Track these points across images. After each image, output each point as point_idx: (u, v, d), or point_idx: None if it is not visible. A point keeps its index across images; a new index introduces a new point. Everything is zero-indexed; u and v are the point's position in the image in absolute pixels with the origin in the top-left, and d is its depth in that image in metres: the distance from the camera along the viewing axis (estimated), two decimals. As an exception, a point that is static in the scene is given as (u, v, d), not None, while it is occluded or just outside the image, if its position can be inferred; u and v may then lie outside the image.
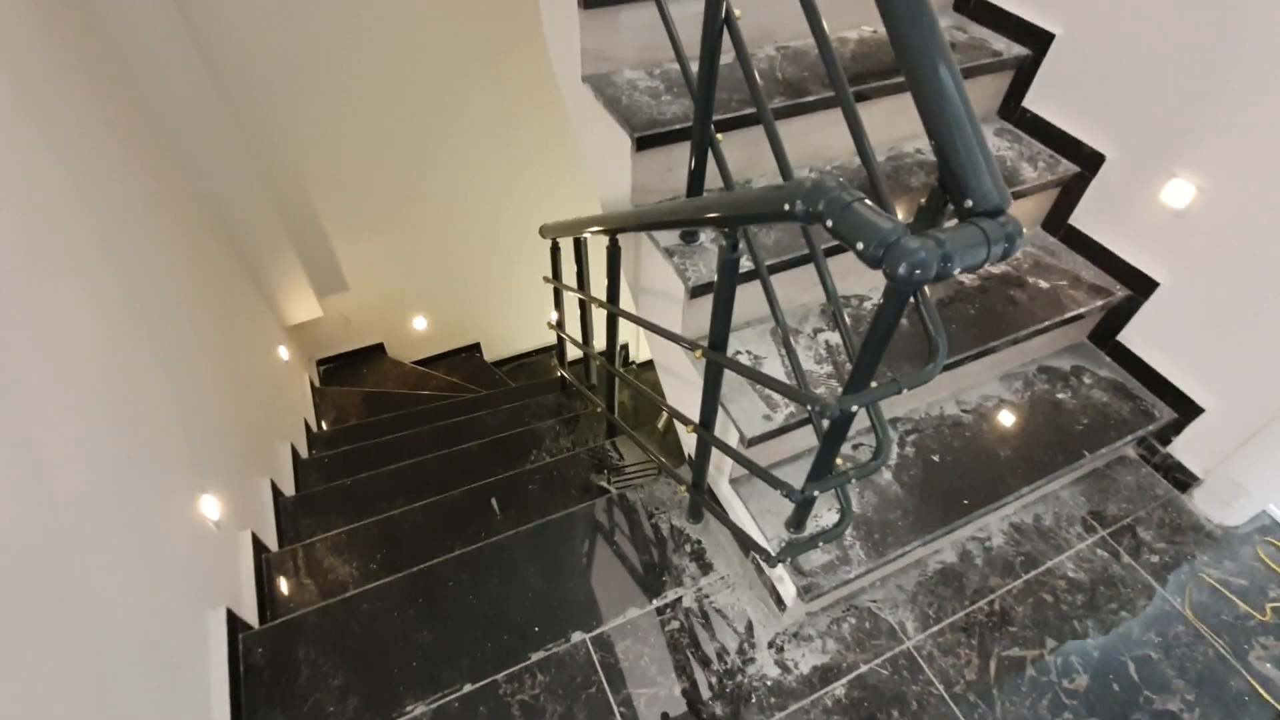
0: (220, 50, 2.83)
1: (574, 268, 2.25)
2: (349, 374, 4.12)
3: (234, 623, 1.45)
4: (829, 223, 0.73)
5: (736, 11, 1.13)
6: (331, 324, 3.91)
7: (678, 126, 1.47)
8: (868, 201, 0.72)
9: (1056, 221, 1.87)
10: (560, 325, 2.63)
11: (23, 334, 1.10)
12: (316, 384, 3.80)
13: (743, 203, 0.93)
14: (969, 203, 0.74)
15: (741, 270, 1.40)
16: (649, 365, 3.93)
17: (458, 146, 3.57)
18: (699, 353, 1.20)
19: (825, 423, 1.13)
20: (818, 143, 1.71)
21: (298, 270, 3.36)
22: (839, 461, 1.13)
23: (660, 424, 2.14)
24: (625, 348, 5.18)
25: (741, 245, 1.07)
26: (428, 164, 3.59)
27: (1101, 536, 1.68)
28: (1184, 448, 1.75)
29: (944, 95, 0.76)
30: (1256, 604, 1.57)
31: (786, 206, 0.81)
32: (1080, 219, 1.81)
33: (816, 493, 1.06)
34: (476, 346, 4.67)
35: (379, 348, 4.29)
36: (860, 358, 0.93)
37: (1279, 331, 1.47)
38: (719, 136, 1.30)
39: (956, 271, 0.69)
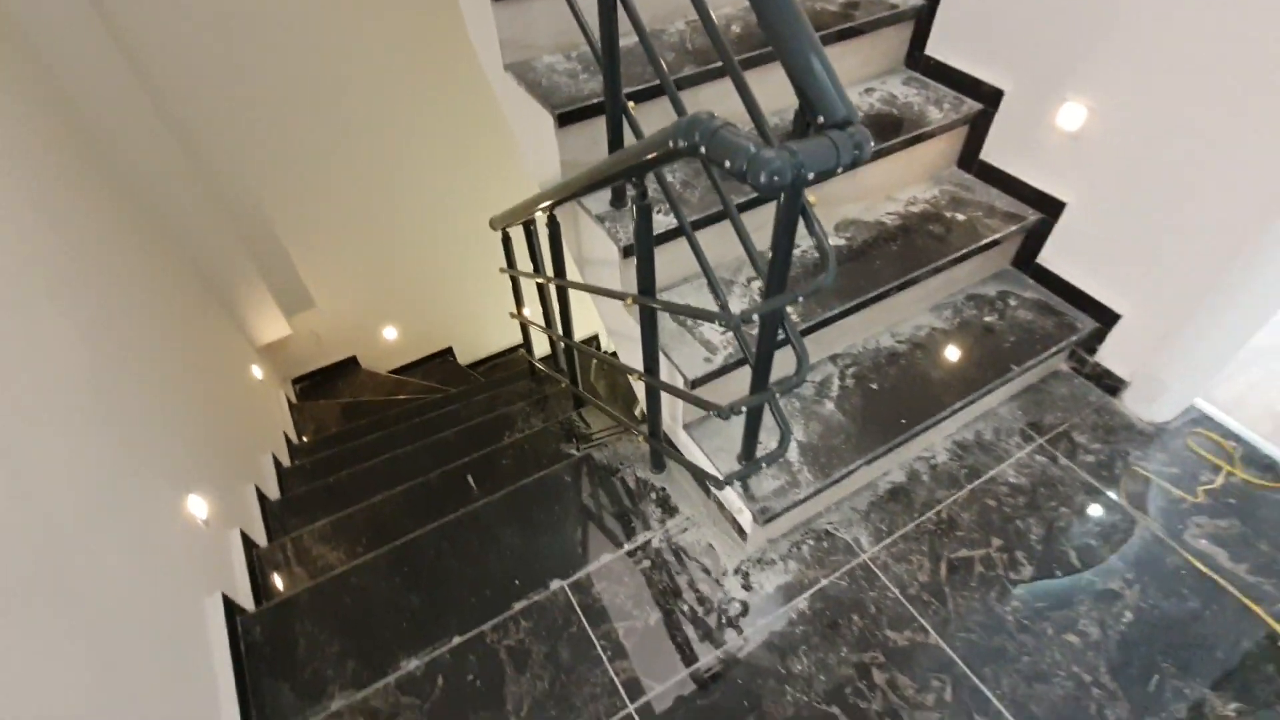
0: (160, 77, 2.88)
1: (527, 255, 2.35)
2: (325, 389, 4.18)
3: (230, 607, 1.53)
4: (702, 149, 0.83)
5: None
6: (302, 342, 3.97)
7: (595, 101, 1.56)
8: (733, 126, 0.82)
9: (970, 158, 1.99)
10: (522, 313, 2.72)
11: (11, 352, 1.17)
12: (293, 401, 3.86)
13: (638, 150, 1.03)
14: (820, 118, 0.84)
15: (667, 229, 1.52)
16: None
17: (406, 154, 3.64)
18: (630, 300, 1.30)
19: (753, 349, 1.24)
20: (733, 106, 1.79)
21: (262, 290, 3.42)
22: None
23: (592, 375, 2.23)
24: (595, 339, 5.28)
25: (655, 193, 1.17)
26: (380, 175, 3.66)
27: (1039, 444, 1.80)
28: (1109, 354, 1.87)
29: (791, 28, 0.86)
30: (1188, 488, 1.70)
31: (672, 143, 0.91)
32: (990, 153, 1.93)
33: (745, 408, 1.16)
34: (449, 350, 4.75)
35: (352, 361, 4.36)
36: (770, 272, 1.04)
37: (1176, 234, 1.59)
38: (630, 104, 1.40)
39: (810, 176, 0.79)
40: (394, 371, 4.47)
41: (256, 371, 3.28)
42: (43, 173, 1.83)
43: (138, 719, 1.08)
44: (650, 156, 1.01)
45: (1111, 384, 1.88)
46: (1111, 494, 1.69)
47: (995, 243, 1.81)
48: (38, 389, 1.22)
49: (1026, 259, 1.96)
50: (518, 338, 5.08)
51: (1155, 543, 1.60)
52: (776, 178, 0.77)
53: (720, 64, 1.65)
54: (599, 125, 1.62)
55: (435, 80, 3.49)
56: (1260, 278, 1.50)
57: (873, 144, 0.83)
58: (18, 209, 1.53)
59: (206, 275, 3.20)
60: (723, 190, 1.25)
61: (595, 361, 3.75)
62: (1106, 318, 1.81)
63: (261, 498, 2.19)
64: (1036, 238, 1.90)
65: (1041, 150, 1.79)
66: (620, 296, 1.38)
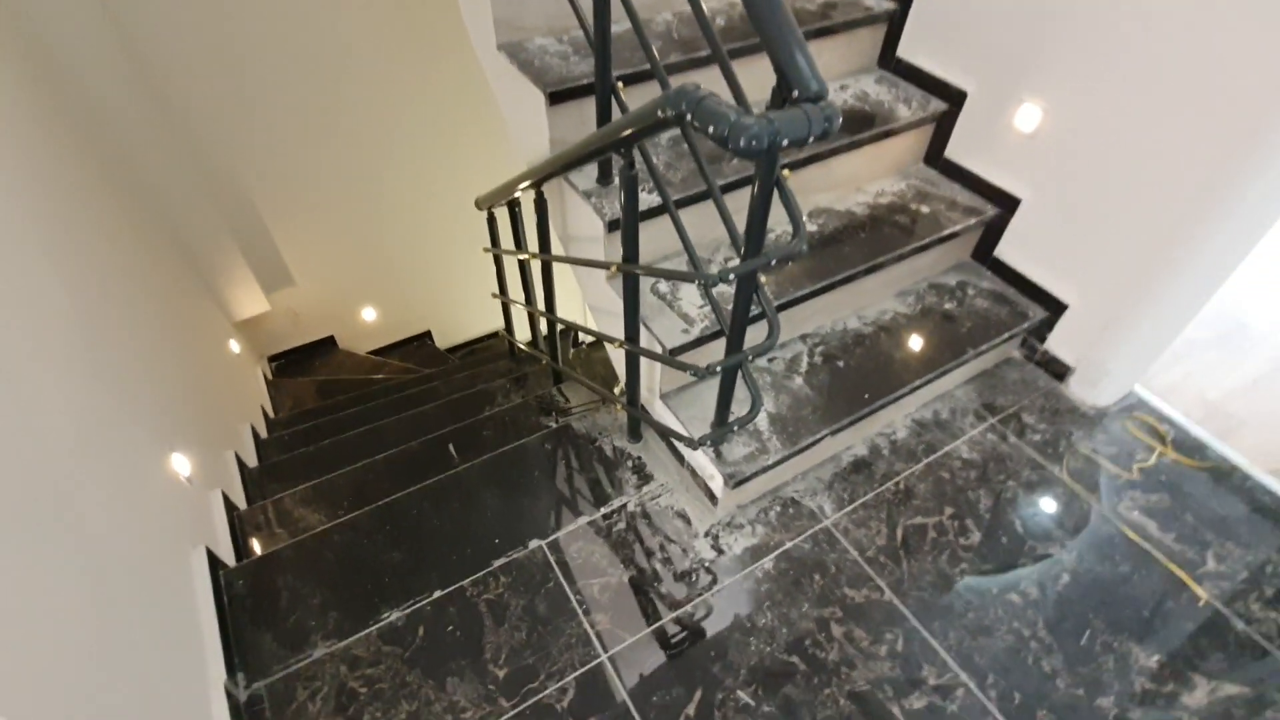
0: (147, 49, 2.88)
1: (510, 235, 2.41)
2: (301, 367, 4.17)
3: (214, 561, 1.57)
4: (689, 116, 0.92)
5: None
6: (280, 319, 3.96)
7: (585, 81, 1.64)
8: (717, 96, 0.91)
9: (936, 155, 2.11)
10: (504, 292, 2.77)
11: (10, 294, 1.20)
12: (269, 378, 3.85)
13: (627, 122, 1.11)
14: (795, 93, 0.93)
15: (651, 206, 1.60)
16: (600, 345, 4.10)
17: (392, 137, 3.67)
18: (614, 268, 1.38)
19: (728, 318, 1.32)
20: (719, 91, 1.90)
21: (242, 266, 3.42)
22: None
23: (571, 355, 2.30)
24: (576, 332, 5.33)
25: (641, 164, 1.24)
26: (365, 157, 3.68)
27: (991, 424, 1.93)
28: (1057, 342, 2.00)
29: (773, 10, 0.94)
30: (1125, 466, 1.83)
31: (660, 112, 0.99)
32: (954, 151, 2.05)
33: (720, 370, 1.24)
34: (428, 334, 4.77)
35: (330, 341, 4.36)
36: (746, 238, 1.12)
37: (1116, 230, 1.72)
38: (619, 85, 1.47)
39: (785, 143, 0.88)
40: (372, 353, 4.48)
41: (234, 346, 3.27)
42: (31, 140, 1.84)
43: (131, 651, 1.12)
44: (640, 127, 1.09)
45: (1059, 370, 2.01)
46: (1055, 469, 1.81)
47: (955, 234, 1.92)
48: (35, 329, 1.25)
49: (985, 251, 2.08)
50: (496, 324, 5.13)
51: (1092, 514, 1.73)
52: (755, 142, 0.85)
53: (707, 53, 1.74)
54: (588, 106, 1.70)
55: (423, 63, 3.53)
56: (1190, 271, 1.64)
57: (840, 119, 0.92)
58: (10, 171, 1.55)
59: (187, 247, 3.19)
60: (705, 167, 1.33)
61: (574, 345, 3.82)
62: (1055, 308, 1.94)
63: (241, 465, 2.22)
64: (994, 231, 2.02)
65: (1000, 148, 1.91)
66: (605, 266, 1.45)
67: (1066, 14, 1.61)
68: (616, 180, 1.70)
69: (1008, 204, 1.94)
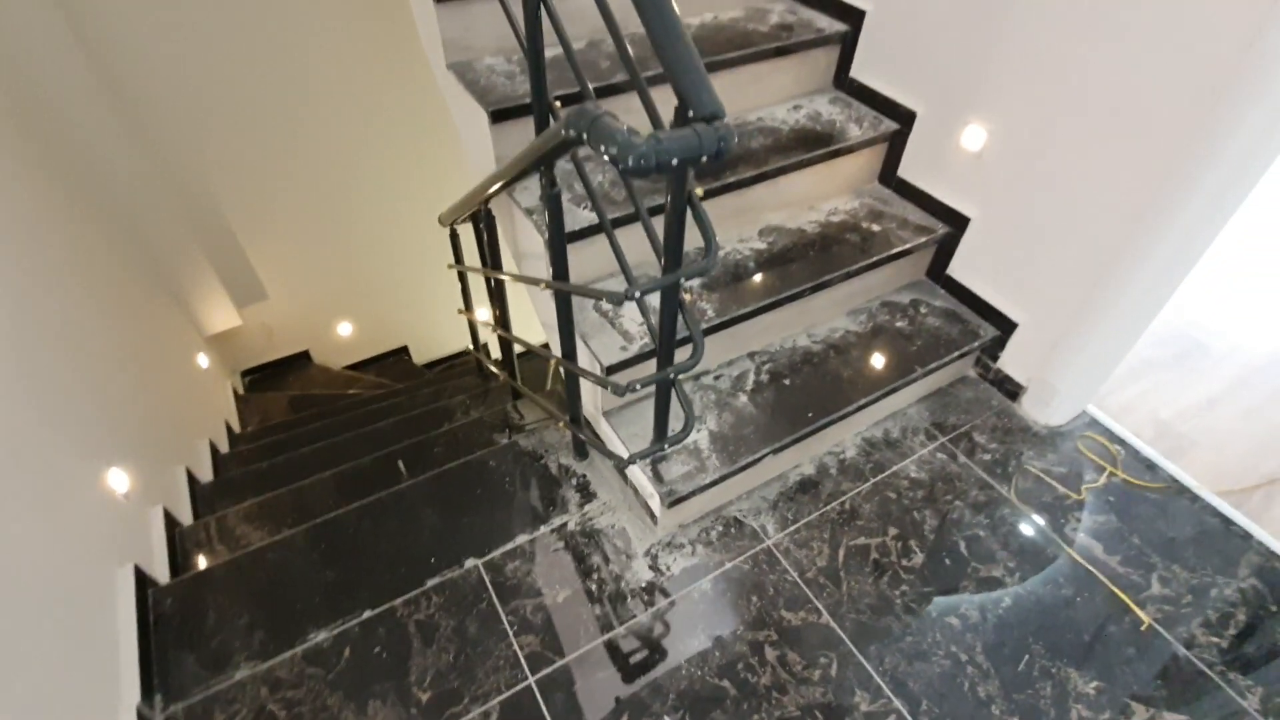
0: (115, 62, 2.89)
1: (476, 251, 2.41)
2: (274, 382, 4.16)
3: (143, 579, 1.54)
4: (584, 135, 0.91)
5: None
6: (253, 333, 3.95)
7: (527, 101, 1.64)
8: (613, 115, 0.90)
9: (889, 174, 2.11)
10: (469, 308, 2.77)
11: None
12: (240, 392, 3.83)
13: (538, 143, 1.11)
14: (691, 112, 0.93)
15: (588, 225, 1.60)
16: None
17: (365, 151, 3.69)
18: (542, 285, 1.37)
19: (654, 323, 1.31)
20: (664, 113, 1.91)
21: (212, 280, 3.42)
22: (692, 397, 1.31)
23: (549, 380, 2.30)
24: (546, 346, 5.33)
25: (581, 192, 1.24)
26: (338, 170, 3.70)
27: (942, 443, 1.91)
28: (1009, 361, 1.99)
29: (669, 34, 0.95)
30: (1074, 487, 1.81)
31: (564, 132, 0.99)
32: (907, 170, 2.06)
33: (639, 387, 1.23)
34: (405, 349, 4.76)
35: (305, 355, 4.35)
36: (665, 251, 1.12)
37: (1062, 248, 1.72)
38: (556, 104, 1.48)
39: (674, 161, 0.87)
40: (348, 368, 4.47)
41: (202, 360, 3.26)
42: None
43: (32, 673, 1.10)
44: (548, 147, 1.09)
45: (1011, 389, 2.00)
46: (1003, 490, 1.80)
47: (905, 253, 1.92)
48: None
49: (938, 270, 2.08)
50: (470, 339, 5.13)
51: (1038, 535, 1.71)
52: (643, 160, 0.85)
53: (655, 72, 1.75)
54: (530, 125, 1.70)
55: (394, 80, 3.56)
56: (1132, 290, 1.63)
57: (736, 139, 0.92)
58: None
59: (156, 260, 3.19)
60: (631, 186, 1.33)
61: (542, 363, 3.80)
62: (1006, 326, 1.93)
63: (192, 480, 2.20)
64: (946, 250, 2.02)
65: (949, 168, 1.92)
66: (536, 282, 1.45)
67: (1007, 36, 1.62)
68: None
69: (958, 223, 1.95)
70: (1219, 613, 1.54)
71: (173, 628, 1.50)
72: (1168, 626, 1.52)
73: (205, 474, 2.39)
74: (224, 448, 2.78)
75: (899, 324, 1.98)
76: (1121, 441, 1.90)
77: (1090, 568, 1.63)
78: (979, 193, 1.88)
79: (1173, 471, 1.82)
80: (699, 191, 1.13)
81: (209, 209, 3.43)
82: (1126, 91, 1.44)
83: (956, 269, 2.03)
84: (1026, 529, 1.72)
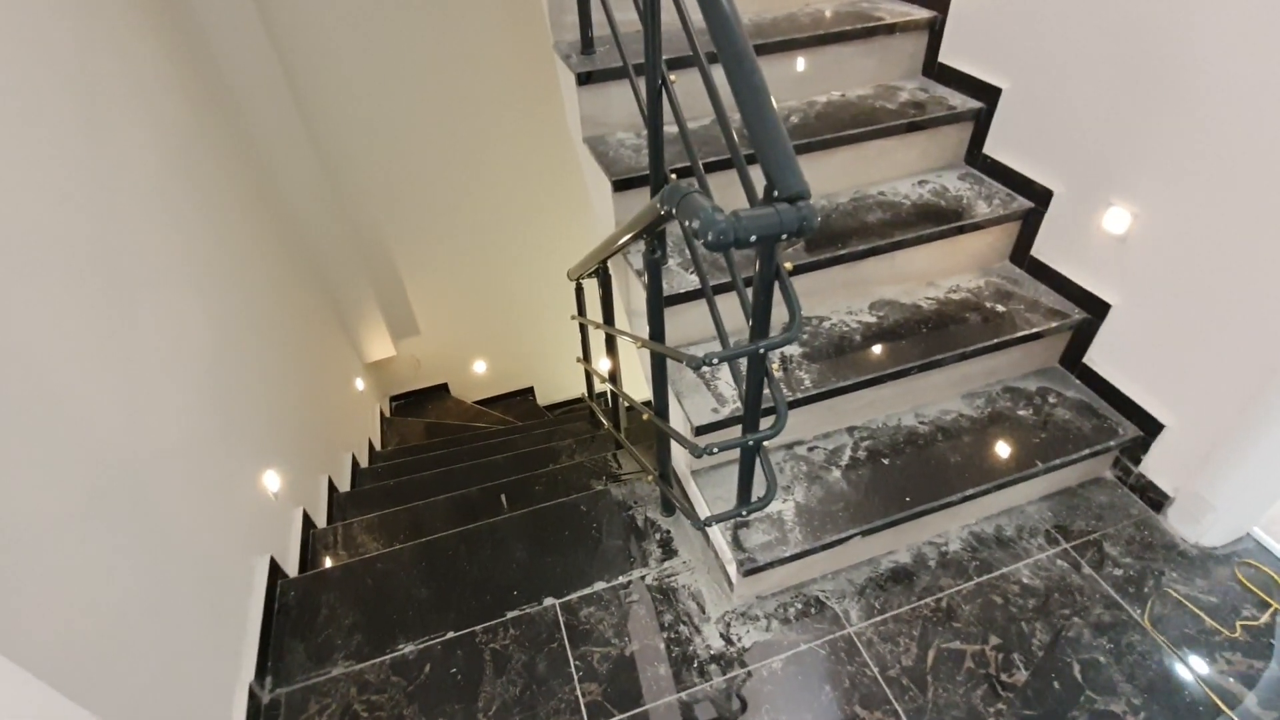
0: (319, 121, 3.47)
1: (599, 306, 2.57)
2: (415, 409, 4.59)
3: (276, 570, 1.77)
4: (673, 210, 0.99)
5: (672, 77, 1.44)
6: (403, 364, 4.42)
7: (646, 172, 1.77)
8: (701, 193, 0.98)
9: (1022, 254, 2.00)
10: (586, 358, 2.92)
11: (150, 328, 1.51)
12: (386, 415, 4.27)
13: (640, 215, 1.21)
14: (776, 191, 0.97)
15: (689, 288, 1.68)
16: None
17: (515, 211, 4.08)
18: (639, 343, 1.45)
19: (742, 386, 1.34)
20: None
21: (376, 313, 3.89)
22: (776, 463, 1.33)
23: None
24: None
25: (663, 252, 1.32)
26: (490, 227, 4.11)
27: (1064, 549, 1.73)
28: (1153, 466, 1.78)
29: (759, 114, 1.01)
30: (1226, 621, 1.56)
31: (659, 207, 1.07)
32: (1041, 250, 1.94)
33: (717, 450, 1.26)
34: (530, 390, 5.07)
35: (444, 387, 4.77)
36: (753, 320, 1.16)
37: (1219, 346, 1.53)
38: (672, 176, 1.59)
39: (752, 239, 0.92)
40: (478, 402, 4.84)
41: (359, 383, 3.69)
42: (205, 181, 2.28)
43: (178, 631, 1.30)
44: (648, 220, 1.18)
45: (1156, 498, 1.78)
46: (1135, 612, 1.58)
47: (1033, 336, 1.80)
48: (171, 348, 1.54)
49: (1073, 359, 1.92)
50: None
51: (1175, 673, 1.48)
52: (722, 236, 0.90)
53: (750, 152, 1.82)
54: (648, 193, 1.83)
55: (544, 152, 3.94)
56: (1307, 401, 1.42)
57: (818, 219, 0.95)
58: (184, 212, 1.94)
59: (332, 293, 3.71)
60: (729, 257, 1.39)
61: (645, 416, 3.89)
62: (1150, 426, 1.73)
63: (332, 488, 2.48)
64: (1083, 337, 1.87)
65: (1088, 250, 1.79)
66: (635, 339, 1.53)
67: (1160, 118, 1.52)
68: (670, 262, 1.80)
69: (1097, 309, 1.80)
70: None
71: (291, 618, 1.69)
72: (1344, 814, 1.25)
73: (344, 484, 2.69)
74: (364, 462, 3.11)
75: (1021, 412, 1.84)
76: (1297, 576, 1.62)
77: (1233, 719, 1.38)
78: (1121, 278, 1.73)
79: (1367, 623, 1.51)
80: (788, 266, 1.17)
81: (382, 256, 3.95)
82: (1296, 179, 1.29)
83: (1094, 358, 1.86)
84: (1161, 663, 1.50)
